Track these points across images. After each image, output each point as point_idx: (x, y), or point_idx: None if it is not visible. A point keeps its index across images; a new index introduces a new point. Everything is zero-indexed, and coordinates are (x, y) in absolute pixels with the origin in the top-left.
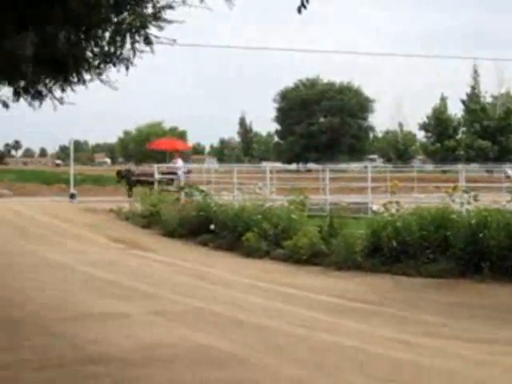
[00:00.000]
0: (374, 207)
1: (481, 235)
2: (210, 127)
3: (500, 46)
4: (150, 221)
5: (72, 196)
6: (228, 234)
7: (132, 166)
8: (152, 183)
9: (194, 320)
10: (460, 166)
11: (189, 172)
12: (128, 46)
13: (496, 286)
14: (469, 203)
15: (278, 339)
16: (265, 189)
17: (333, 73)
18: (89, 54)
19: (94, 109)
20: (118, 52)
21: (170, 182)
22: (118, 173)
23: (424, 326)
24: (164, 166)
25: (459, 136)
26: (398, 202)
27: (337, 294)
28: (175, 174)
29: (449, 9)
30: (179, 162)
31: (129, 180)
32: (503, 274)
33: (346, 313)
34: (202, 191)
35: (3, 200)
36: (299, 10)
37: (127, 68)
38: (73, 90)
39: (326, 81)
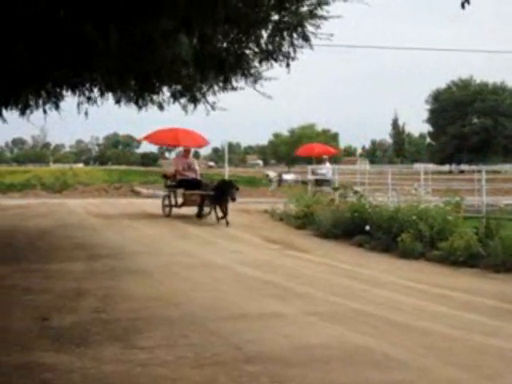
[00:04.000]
0: None
1: None
2: (361, 129)
3: None
4: (304, 222)
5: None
6: (383, 235)
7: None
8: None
9: (350, 321)
10: None
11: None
12: (286, 43)
13: None
14: None
15: (437, 341)
16: (420, 190)
17: (488, 73)
18: (249, 52)
19: (246, 111)
20: (278, 49)
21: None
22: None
23: None
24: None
25: None
26: None
27: (495, 296)
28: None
29: None
30: (327, 164)
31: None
32: None
33: (505, 316)
34: (356, 192)
35: (152, 200)
36: (463, 6)
37: (288, 65)
38: (230, 89)
39: (478, 81)
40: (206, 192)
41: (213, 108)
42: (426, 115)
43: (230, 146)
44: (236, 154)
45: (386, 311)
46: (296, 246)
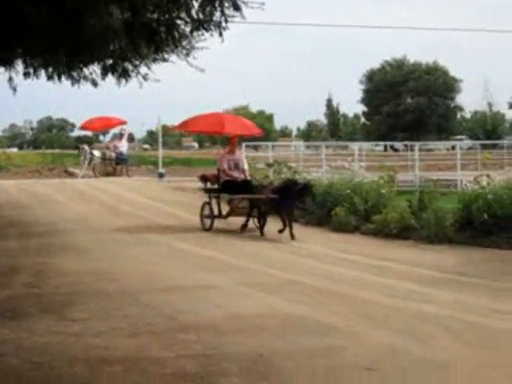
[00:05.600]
0: (464, 182)
1: None
2: (297, 110)
3: None
4: None
5: (160, 175)
6: (317, 209)
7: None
8: None
9: (285, 291)
10: None
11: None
12: (218, 13)
13: None
14: None
15: (372, 309)
16: (354, 165)
17: (419, 53)
18: (180, 22)
19: (181, 94)
20: (209, 19)
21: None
22: None
23: None
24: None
25: None
26: (488, 176)
27: (428, 266)
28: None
29: None
30: (123, 141)
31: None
32: None
33: (439, 284)
34: (291, 168)
35: (91, 180)
36: None
37: (221, 34)
38: (161, 60)
39: (412, 61)
40: (265, 196)
41: (145, 79)
42: (360, 95)
43: (166, 128)
44: (171, 136)
45: (322, 282)
46: (235, 224)
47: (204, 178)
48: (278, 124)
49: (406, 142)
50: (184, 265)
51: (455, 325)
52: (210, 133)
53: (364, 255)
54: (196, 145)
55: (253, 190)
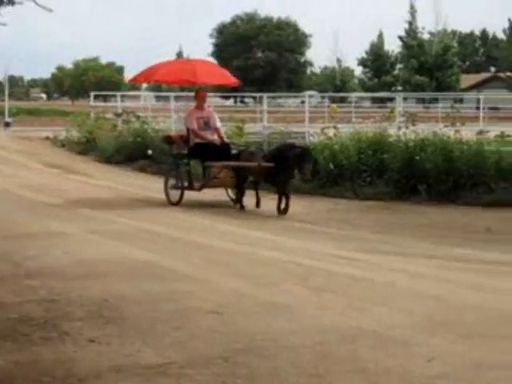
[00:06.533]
0: (312, 133)
1: (417, 158)
2: (148, 63)
3: None
4: (86, 147)
5: (6, 124)
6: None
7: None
8: None
9: (136, 239)
10: (397, 94)
11: None
12: None
13: (433, 208)
14: (406, 127)
15: (221, 256)
16: None
17: (271, 7)
18: None
19: (28, 45)
20: None
21: None
22: None
23: (365, 243)
24: None
25: (396, 72)
26: (335, 127)
27: (276, 214)
28: None
29: None
30: None
31: None
32: (440, 197)
33: (285, 232)
34: (139, 117)
35: None
36: None
37: None
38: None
39: (263, 15)
40: (258, 164)
41: None
42: (210, 49)
43: (13, 79)
44: (19, 87)
45: (173, 230)
46: (78, 171)
47: (169, 140)
48: (127, 77)
49: (254, 94)
50: (34, 213)
51: (299, 270)
52: (181, 82)
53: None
54: (44, 96)
55: (231, 155)
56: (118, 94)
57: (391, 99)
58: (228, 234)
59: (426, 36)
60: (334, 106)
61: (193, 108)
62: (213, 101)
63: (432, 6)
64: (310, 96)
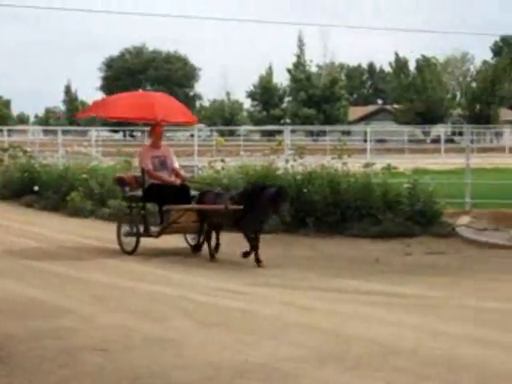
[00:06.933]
0: (200, 167)
1: (305, 191)
2: (35, 96)
3: (326, 14)
4: None
5: None
6: (53, 194)
7: None
8: None
9: (25, 276)
10: (285, 127)
11: None
12: None
13: (321, 240)
14: (294, 160)
15: (108, 291)
16: (91, 149)
17: (161, 41)
18: None
19: None
20: None
21: None
22: None
23: (254, 276)
24: None
25: (285, 105)
26: (223, 160)
27: (160, 249)
28: None
29: None
30: None
31: None
32: (328, 229)
33: (170, 267)
34: (26, 152)
35: None
36: None
37: None
38: None
39: (152, 49)
40: (224, 206)
41: None
42: (99, 83)
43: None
44: None
45: (56, 266)
46: None
47: (121, 182)
48: (15, 111)
49: (142, 128)
50: None
51: (187, 304)
52: (138, 120)
53: (97, 239)
54: None
55: (190, 197)
56: (5, 128)
57: (280, 132)
58: (113, 269)
59: (314, 69)
60: (221, 139)
61: (147, 146)
62: (101, 134)
63: (320, 39)
64: (199, 130)
